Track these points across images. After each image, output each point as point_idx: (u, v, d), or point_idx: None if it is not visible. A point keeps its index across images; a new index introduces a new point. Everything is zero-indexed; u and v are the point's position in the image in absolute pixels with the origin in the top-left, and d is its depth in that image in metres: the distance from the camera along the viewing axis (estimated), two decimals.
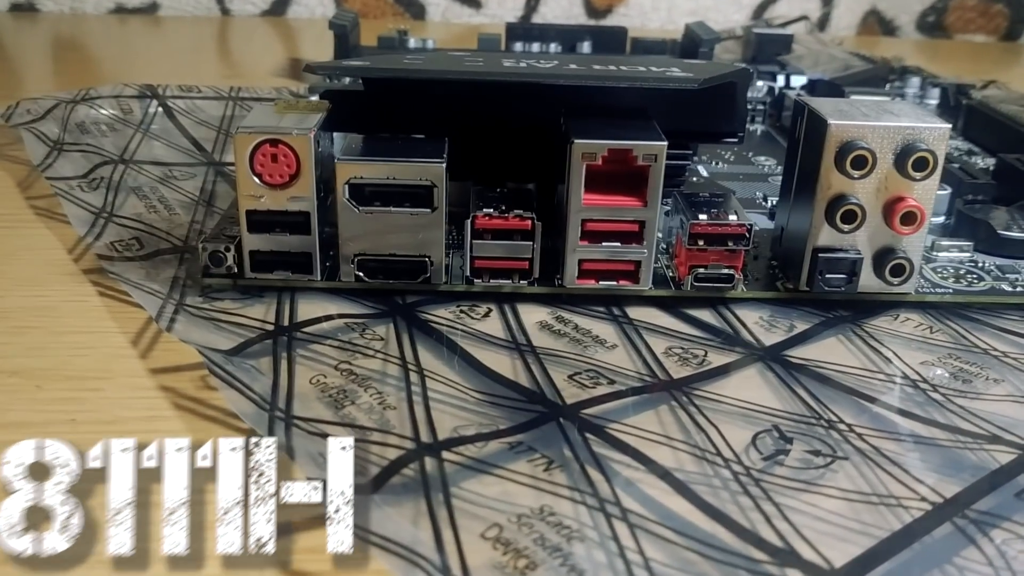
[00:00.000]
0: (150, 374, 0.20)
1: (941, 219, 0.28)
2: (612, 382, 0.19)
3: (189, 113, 0.37)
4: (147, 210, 0.28)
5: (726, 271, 0.23)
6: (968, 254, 0.26)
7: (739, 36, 0.54)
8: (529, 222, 0.22)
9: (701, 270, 0.23)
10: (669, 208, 0.24)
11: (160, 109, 0.36)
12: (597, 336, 0.22)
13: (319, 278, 0.23)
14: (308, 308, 0.22)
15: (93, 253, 0.25)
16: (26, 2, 0.63)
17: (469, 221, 0.22)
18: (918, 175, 0.21)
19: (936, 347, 0.21)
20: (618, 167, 0.22)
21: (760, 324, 0.22)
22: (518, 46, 0.48)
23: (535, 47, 0.48)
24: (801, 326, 0.22)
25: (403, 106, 0.25)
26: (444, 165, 0.22)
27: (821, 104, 0.23)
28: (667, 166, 0.28)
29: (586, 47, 0.48)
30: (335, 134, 0.25)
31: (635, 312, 0.23)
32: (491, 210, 0.22)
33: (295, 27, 0.61)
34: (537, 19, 0.65)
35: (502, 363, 0.20)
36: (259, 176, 0.22)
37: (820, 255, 0.22)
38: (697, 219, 0.22)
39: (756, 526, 0.15)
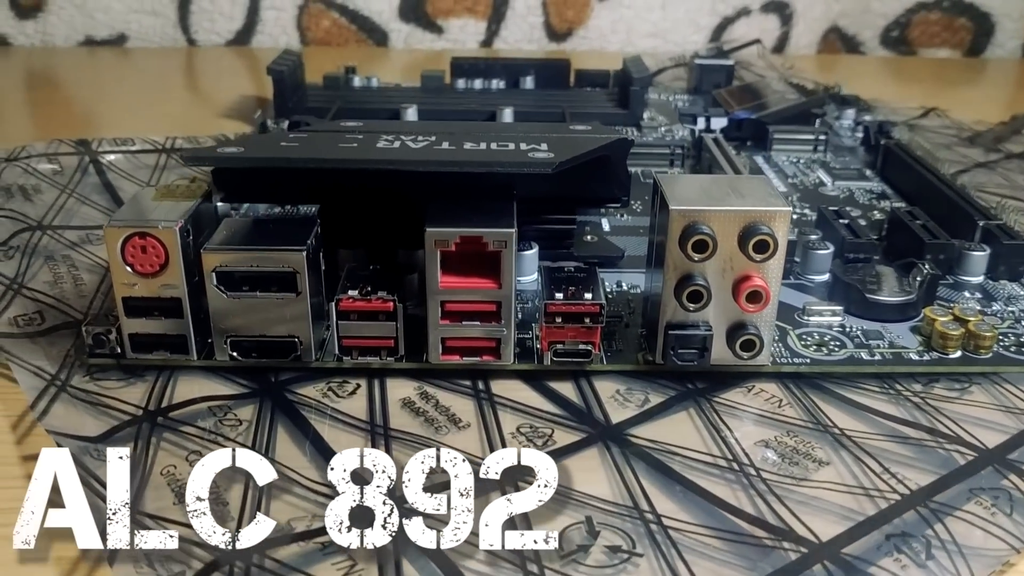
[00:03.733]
0: (21, 462, 0.21)
1: (825, 277, 0.29)
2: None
3: (120, 169, 0.38)
4: (55, 279, 0.29)
5: (583, 347, 0.24)
6: (839, 318, 0.26)
7: (685, 64, 0.54)
8: (391, 304, 0.23)
9: (559, 345, 0.24)
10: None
11: (91, 166, 0.37)
12: (454, 415, 0.22)
13: (196, 358, 0.24)
14: (185, 388, 0.23)
15: None
16: None
17: (334, 303, 0.23)
18: (759, 257, 0.22)
19: (778, 424, 0.22)
20: (472, 248, 0.23)
21: (615, 398, 0.23)
22: (460, 83, 0.49)
23: (478, 83, 0.49)
24: (655, 399, 0.23)
25: (287, 180, 0.26)
26: (304, 253, 0.23)
27: (672, 184, 0.23)
28: (553, 231, 0.29)
29: (529, 82, 0.49)
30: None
31: (499, 386, 0.24)
32: (355, 292, 0.23)
33: (259, 56, 0.62)
34: (499, 43, 0.66)
35: (353, 447, 0.21)
36: (131, 266, 0.23)
37: (670, 331, 0.23)
38: (553, 298, 0.23)
39: None
